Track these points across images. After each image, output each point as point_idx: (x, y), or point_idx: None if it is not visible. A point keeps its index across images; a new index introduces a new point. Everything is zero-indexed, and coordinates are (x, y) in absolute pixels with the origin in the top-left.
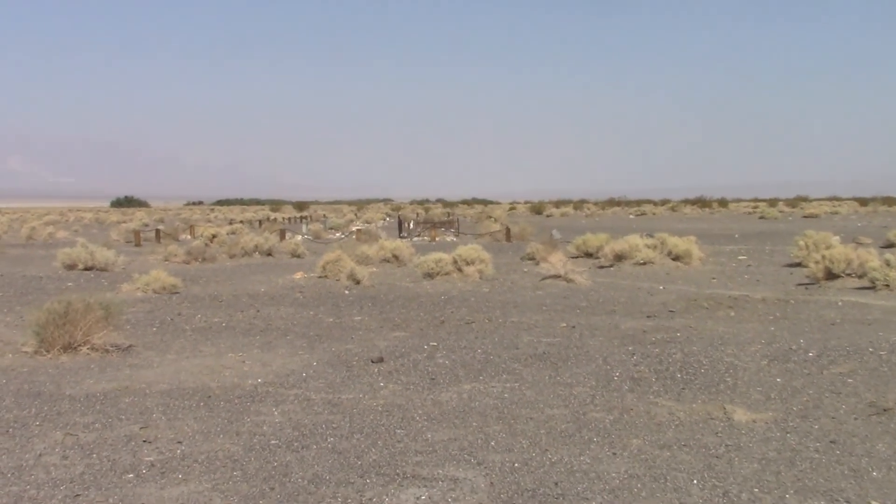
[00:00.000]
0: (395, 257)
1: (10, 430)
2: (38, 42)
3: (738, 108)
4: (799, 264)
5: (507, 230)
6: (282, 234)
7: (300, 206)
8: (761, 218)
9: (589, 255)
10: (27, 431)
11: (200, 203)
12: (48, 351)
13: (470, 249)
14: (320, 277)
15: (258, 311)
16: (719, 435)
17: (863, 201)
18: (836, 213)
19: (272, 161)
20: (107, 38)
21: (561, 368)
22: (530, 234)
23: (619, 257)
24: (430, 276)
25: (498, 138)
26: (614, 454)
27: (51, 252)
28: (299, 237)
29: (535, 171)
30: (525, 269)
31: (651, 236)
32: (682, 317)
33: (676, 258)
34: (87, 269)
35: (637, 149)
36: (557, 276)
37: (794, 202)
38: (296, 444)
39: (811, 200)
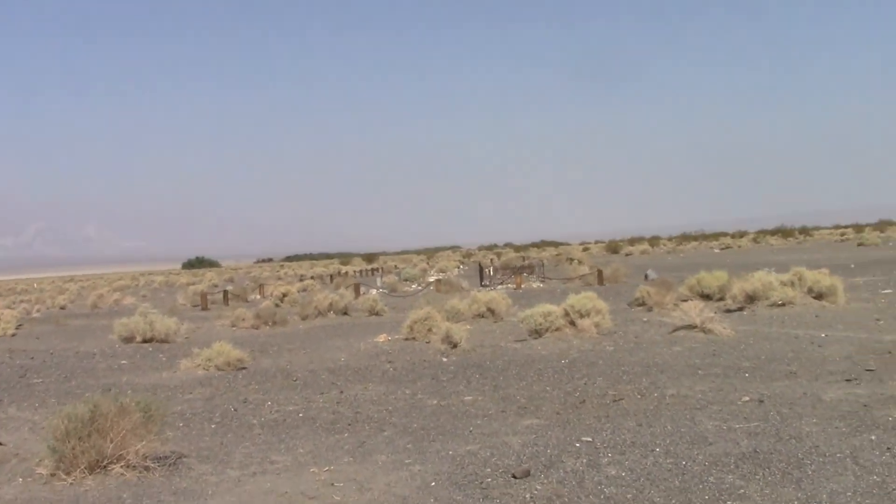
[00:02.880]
0: (491, 311)
1: None
2: (108, 108)
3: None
4: None
5: (600, 272)
6: (356, 290)
7: (369, 257)
8: (860, 245)
9: (706, 297)
10: None
11: (270, 260)
12: (68, 473)
13: (583, 299)
14: (408, 339)
15: (342, 391)
16: None
17: None
18: None
19: (338, 214)
20: (171, 101)
21: (804, 483)
22: (624, 276)
23: (751, 298)
24: (537, 332)
25: (555, 178)
26: None
27: (114, 321)
28: (375, 292)
29: (593, 210)
30: (644, 319)
31: (772, 271)
32: (893, 378)
33: (819, 296)
34: (146, 341)
35: (691, 181)
36: (692, 327)
37: (881, 226)
38: None
39: None
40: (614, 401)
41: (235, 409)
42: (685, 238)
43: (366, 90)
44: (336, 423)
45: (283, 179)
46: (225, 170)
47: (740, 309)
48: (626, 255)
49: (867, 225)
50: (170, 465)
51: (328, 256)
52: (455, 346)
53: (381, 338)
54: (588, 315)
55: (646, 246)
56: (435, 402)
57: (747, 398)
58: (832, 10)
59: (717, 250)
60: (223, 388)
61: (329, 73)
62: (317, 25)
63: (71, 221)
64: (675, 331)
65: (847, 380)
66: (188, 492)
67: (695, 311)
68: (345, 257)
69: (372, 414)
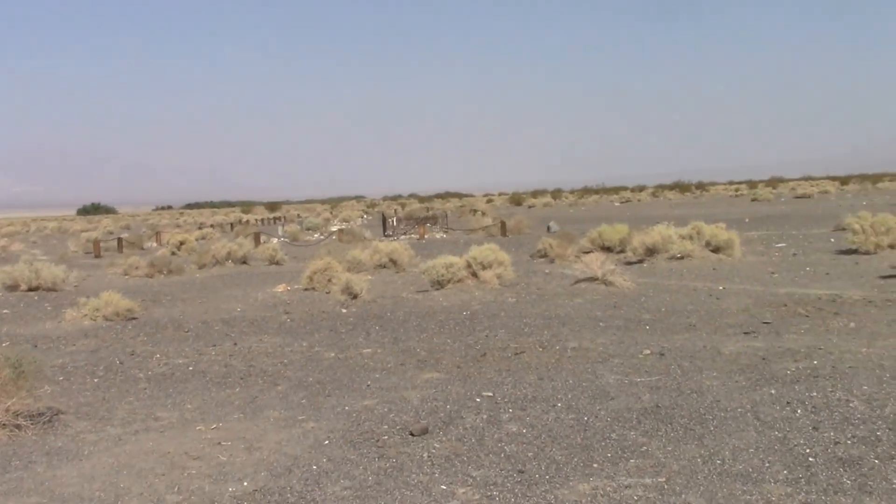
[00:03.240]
0: (393, 261)
1: None
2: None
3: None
4: (855, 251)
5: (503, 224)
6: (256, 239)
7: (272, 206)
8: (754, 200)
9: (607, 249)
10: None
11: (169, 207)
12: None
13: (486, 250)
14: (307, 290)
15: (235, 343)
16: None
17: (843, 180)
18: (827, 192)
19: (241, 162)
20: (70, 43)
21: (706, 439)
22: (527, 228)
23: (651, 251)
24: (439, 284)
25: (460, 131)
26: None
27: None
28: (276, 241)
29: (498, 163)
30: (546, 271)
31: (670, 225)
32: (789, 331)
33: (716, 250)
34: (31, 289)
35: (592, 137)
36: (593, 279)
37: (772, 183)
38: None
39: (788, 181)
40: (515, 354)
41: (121, 362)
42: (587, 192)
43: (267, 34)
44: (227, 377)
45: (186, 126)
46: (126, 114)
47: (640, 261)
48: (529, 207)
49: (760, 181)
50: (44, 422)
51: (230, 205)
52: (355, 296)
53: (280, 288)
54: (490, 266)
55: (548, 199)
56: (332, 354)
57: (648, 351)
58: None
59: (617, 204)
60: (110, 339)
61: (232, 15)
62: None
63: None
64: (576, 283)
65: (745, 333)
66: (62, 451)
67: (596, 263)
68: (247, 206)
69: (266, 367)
